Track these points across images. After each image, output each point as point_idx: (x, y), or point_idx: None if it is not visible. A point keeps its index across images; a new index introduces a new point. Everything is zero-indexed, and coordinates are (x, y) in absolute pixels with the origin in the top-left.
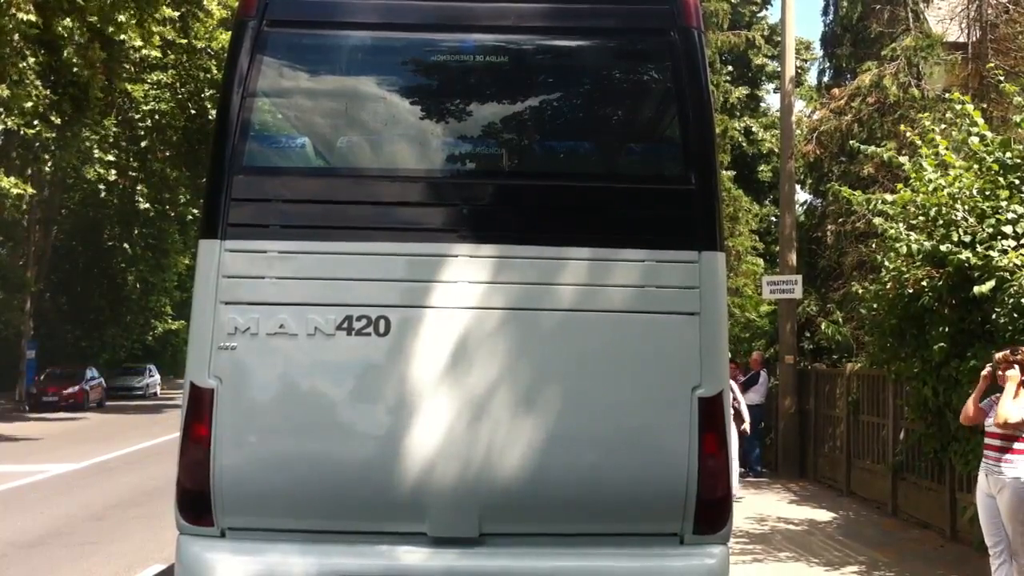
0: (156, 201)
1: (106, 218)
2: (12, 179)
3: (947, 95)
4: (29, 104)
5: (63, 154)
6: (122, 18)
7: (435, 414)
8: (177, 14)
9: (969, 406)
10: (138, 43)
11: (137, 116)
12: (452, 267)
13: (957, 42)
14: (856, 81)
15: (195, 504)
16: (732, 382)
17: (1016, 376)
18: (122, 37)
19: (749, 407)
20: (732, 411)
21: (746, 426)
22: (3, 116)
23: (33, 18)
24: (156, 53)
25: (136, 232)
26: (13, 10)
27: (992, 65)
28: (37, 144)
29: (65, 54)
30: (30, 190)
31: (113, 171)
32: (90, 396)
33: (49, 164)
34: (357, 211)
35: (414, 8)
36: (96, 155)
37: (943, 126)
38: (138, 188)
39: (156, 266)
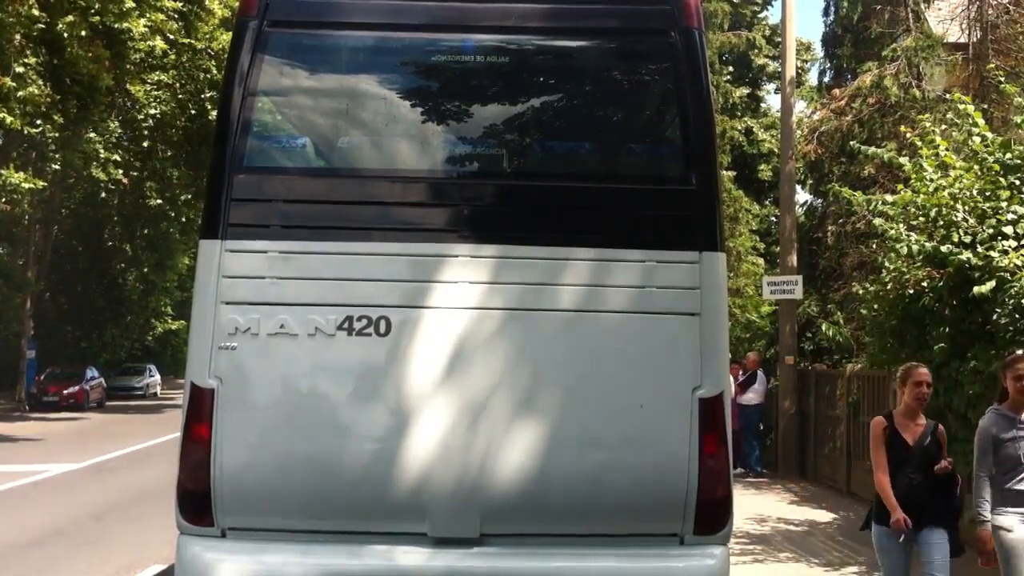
0: (162, 198)
1: (106, 218)
2: (22, 174)
3: (948, 96)
4: (28, 93)
5: (65, 154)
6: (129, 3)
7: (436, 414)
8: (180, 2)
9: None
10: (142, 28)
11: (140, 117)
12: (453, 267)
13: (958, 43)
14: (856, 82)
15: (196, 504)
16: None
17: None
18: (125, 25)
19: (748, 407)
20: None
21: None
22: (4, 113)
23: (36, 12)
24: (161, 44)
25: (138, 233)
26: (15, 5)
27: (993, 66)
28: (47, 140)
29: (68, 53)
30: (40, 183)
31: (120, 171)
32: (90, 396)
33: (58, 162)
34: (358, 211)
35: (415, 8)
36: (102, 155)
37: (944, 127)
38: (148, 184)
39: (158, 265)
